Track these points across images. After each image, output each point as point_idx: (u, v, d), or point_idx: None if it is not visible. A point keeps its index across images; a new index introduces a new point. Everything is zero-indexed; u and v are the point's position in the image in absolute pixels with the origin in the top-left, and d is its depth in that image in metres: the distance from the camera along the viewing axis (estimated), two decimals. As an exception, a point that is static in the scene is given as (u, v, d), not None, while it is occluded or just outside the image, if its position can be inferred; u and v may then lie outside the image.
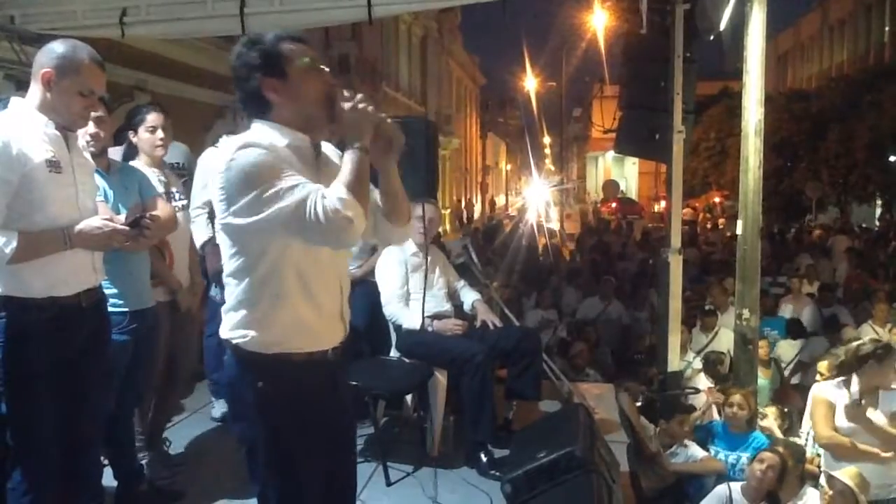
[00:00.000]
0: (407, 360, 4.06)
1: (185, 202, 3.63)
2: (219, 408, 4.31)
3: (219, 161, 1.93)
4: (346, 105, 1.93)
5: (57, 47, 2.37)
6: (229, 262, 1.98)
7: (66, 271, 2.41)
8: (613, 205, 37.38)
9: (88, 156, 2.65)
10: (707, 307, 7.62)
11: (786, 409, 5.48)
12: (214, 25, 4.57)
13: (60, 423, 2.42)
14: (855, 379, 4.22)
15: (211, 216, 4.14)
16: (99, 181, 2.83)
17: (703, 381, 6.17)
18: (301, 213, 1.81)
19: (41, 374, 2.37)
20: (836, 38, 30.29)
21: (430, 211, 4.20)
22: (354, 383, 3.18)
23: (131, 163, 3.42)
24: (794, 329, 7.68)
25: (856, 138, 18.53)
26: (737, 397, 4.85)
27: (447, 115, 30.89)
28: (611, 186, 38.67)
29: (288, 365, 1.99)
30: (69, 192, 2.41)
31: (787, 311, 8.35)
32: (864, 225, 20.12)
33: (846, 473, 3.91)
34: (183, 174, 4.23)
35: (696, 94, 6.29)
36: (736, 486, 4.10)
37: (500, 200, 48.71)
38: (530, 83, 34.68)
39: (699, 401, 5.63)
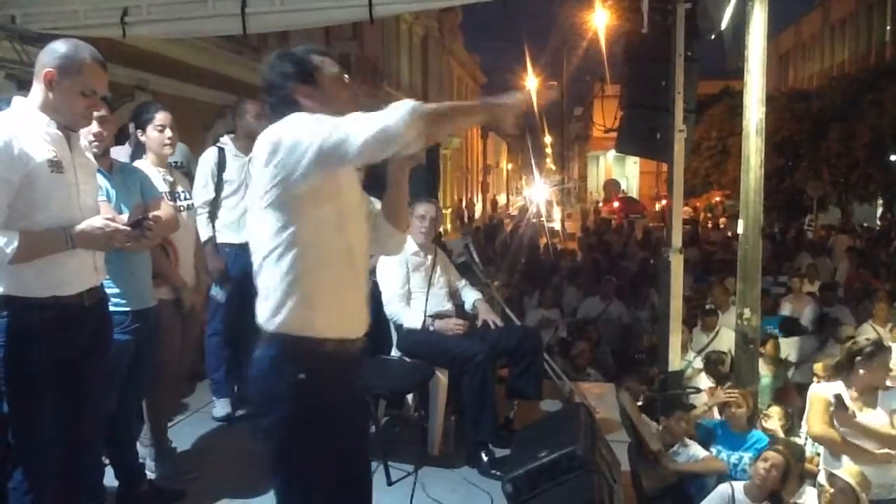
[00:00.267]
0: (408, 360, 4.06)
1: (190, 202, 3.63)
2: (220, 407, 4.31)
3: (261, 144, 1.98)
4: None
5: (59, 47, 2.37)
6: (271, 244, 2.01)
7: (68, 271, 2.40)
8: (616, 204, 37.36)
9: (90, 156, 2.65)
10: (708, 307, 7.59)
11: (789, 410, 5.49)
12: (215, 25, 4.56)
13: (62, 423, 2.42)
14: (851, 379, 4.22)
15: (211, 216, 4.15)
16: (101, 181, 2.83)
17: (704, 381, 6.16)
18: (368, 117, 1.87)
19: (43, 373, 2.36)
20: (837, 38, 30.28)
21: (432, 210, 4.20)
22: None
23: (138, 162, 3.43)
24: (788, 327, 7.67)
25: (857, 137, 18.53)
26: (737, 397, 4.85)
27: (448, 115, 30.79)
28: (612, 186, 38.70)
29: (326, 351, 2.04)
30: (71, 192, 2.40)
31: (787, 310, 8.34)
32: (865, 224, 20.11)
33: (848, 472, 3.91)
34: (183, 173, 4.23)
35: (698, 93, 6.27)
36: (738, 486, 4.09)
37: (502, 200, 48.67)
38: (531, 82, 34.60)
39: (700, 400, 5.63)
